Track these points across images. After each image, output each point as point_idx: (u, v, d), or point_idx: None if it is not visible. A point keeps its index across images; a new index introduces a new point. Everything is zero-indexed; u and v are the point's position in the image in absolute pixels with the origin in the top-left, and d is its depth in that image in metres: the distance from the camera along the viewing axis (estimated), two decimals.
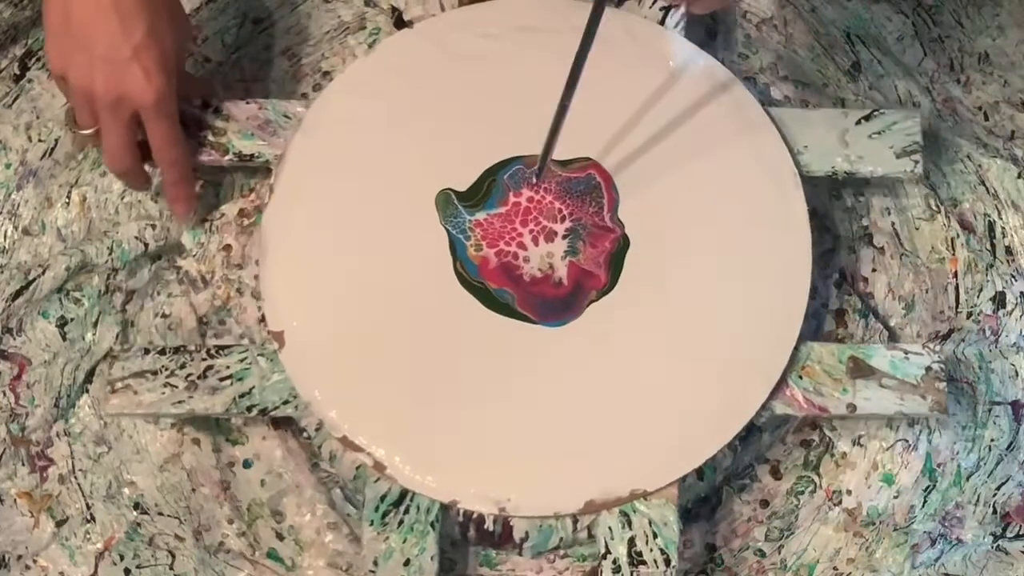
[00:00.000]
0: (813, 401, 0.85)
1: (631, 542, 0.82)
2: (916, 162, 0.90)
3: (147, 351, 0.86)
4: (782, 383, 0.85)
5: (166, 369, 0.86)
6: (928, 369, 0.85)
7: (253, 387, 0.85)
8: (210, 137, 0.92)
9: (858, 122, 0.92)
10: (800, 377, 0.85)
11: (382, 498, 0.83)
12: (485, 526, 0.84)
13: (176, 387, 0.85)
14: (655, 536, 0.82)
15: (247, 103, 0.93)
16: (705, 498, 0.89)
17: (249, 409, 0.85)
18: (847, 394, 0.85)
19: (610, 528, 0.82)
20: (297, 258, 0.88)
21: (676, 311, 0.87)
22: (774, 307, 0.87)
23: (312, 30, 1.01)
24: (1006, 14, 1.05)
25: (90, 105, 0.86)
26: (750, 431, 0.86)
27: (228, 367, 0.86)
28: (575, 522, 0.84)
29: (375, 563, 0.81)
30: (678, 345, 0.86)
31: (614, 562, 0.81)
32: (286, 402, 0.85)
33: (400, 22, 0.96)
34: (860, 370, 0.85)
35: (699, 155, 0.90)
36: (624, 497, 0.82)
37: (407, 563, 0.81)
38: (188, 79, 0.93)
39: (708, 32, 1.00)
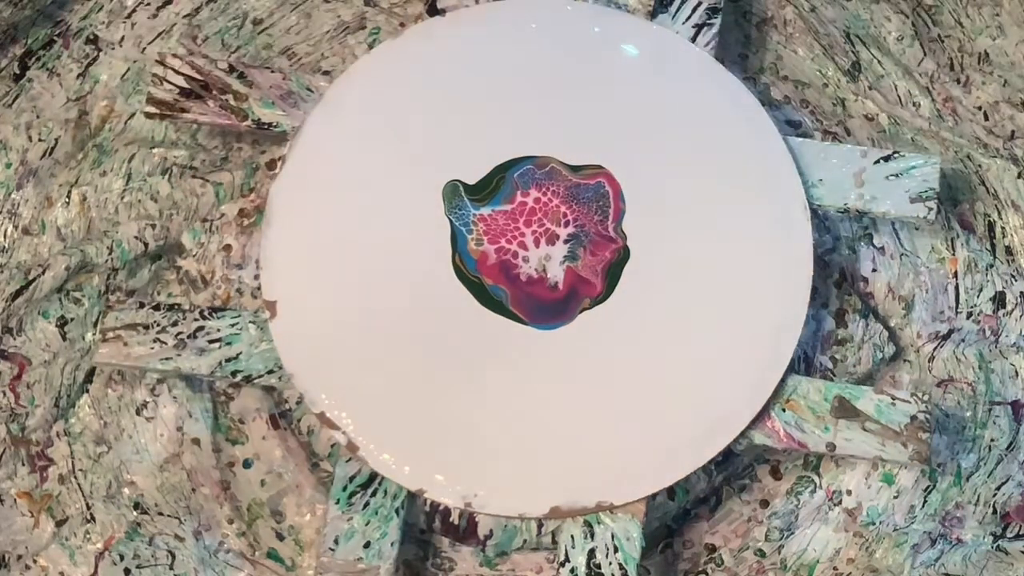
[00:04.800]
0: (793, 436, 0.85)
1: (591, 553, 0.82)
2: (930, 208, 0.90)
3: (142, 304, 0.87)
4: (764, 413, 0.85)
5: (158, 325, 0.86)
6: (913, 418, 0.85)
7: (240, 352, 0.86)
8: (231, 101, 0.92)
9: (876, 162, 0.91)
10: (783, 410, 0.86)
11: (351, 478, 0.83)
12: (451, 519, 0.84)
13: (165, 343, 0.86)
14: (616, 550, 0.82)
15: (272, 71, 0.93)
16: (705, 498, 0.89)
17: (234, 374, 0.85)
18: (828, 432, 0.85)
19: (572, 536, 0.82)
20: (300, 231, 0.89)
21: (666, 329, 0.87)
22: (765, 338, 0.86)
23: (312, 30, 1.01)
24: (1006, 14, 1.05)
25: None
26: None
27: (219, 330, 0.86)
28: (540, 526, 0.85)
29: (335, 541, 0.82)
30: (664, 363, 0.86)
31: (572, 571, 0.81)
32: (270, 371, 0.86)
33: (433, 9, 0.95)
34: (845, 410, 0.85)
35: (711, 177, 0.90)
36: (590, 507, 0.82)
37: (367, 545, 0.82)
38: None
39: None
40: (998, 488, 0.90)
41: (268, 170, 0.95)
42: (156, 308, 0.87)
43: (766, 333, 0.86)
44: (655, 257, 0.88)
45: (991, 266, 0.95)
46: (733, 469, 0.89)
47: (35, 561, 0.87)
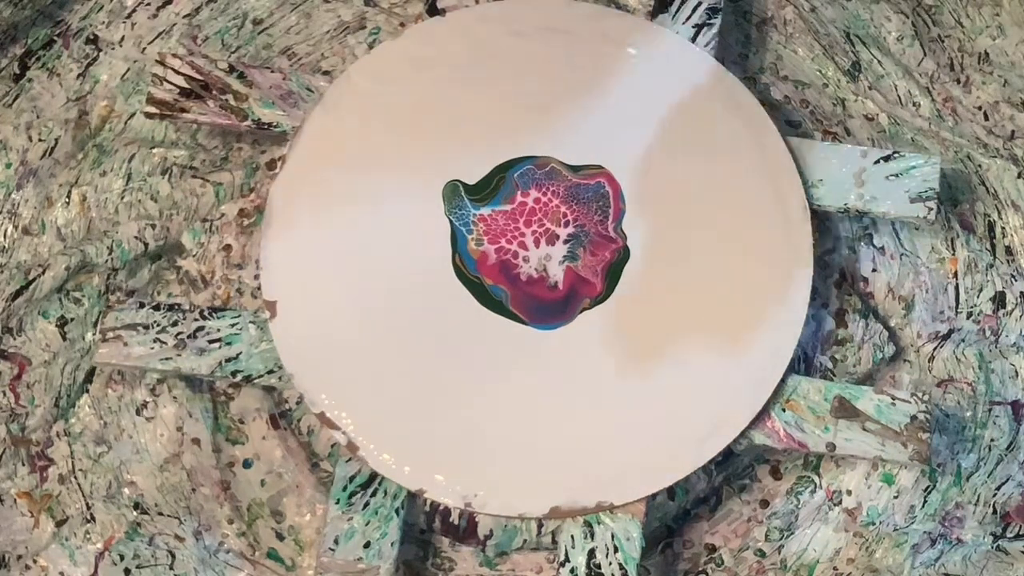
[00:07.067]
0: (793, 435, 0.85)
1: (591, 553, 0.82)
2: (930, 208, 0.90)
3: (142, 304, 0.87)
4: (764, 414, 0.85)
5: (158, 325, 0.87)
6: (913, 418, 0.85)
7: (240, 353, 0.86)
8: (231, 101, 0.92)
9: (876, 162, 0.91)
10: (783, 410, 0.86)
11: (351, 478, 0.84)
12: (451, 519, 0.85)
13: (165, 343, 0.86)
14: (616, 550, 0.82)
15: (272, 71, 0.93)
16: (705, 498, 0.89)
17: (234, 374, 0.86)
18: (828, 432, 0.85)
19: (572, 536, 0.82)
20: (299, 231, 0.89)
21: (666, 329, 0.87)
22: (765, 338, 0.86)
23: (312, 30, 1.01)
24: (1006, 14, 1.05)
25: None
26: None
27: (219, 330, 0.87)
28: (540, 526, 0.85)
29: (335, 541, 0.82)
30: (664, 363, 0.86)
31: (571, 571, 0.82)
32: (270, 371, 0.86)
33: (433, 9, 0.96)
34: (845, 410, 0.85)
35: (710, 177, 0.90)
36: (590, 508, 0.82)
37: (367, 545, 0.82)
38: None
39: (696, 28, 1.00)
40: (998, 488, 0.90)
41: (268, 170, 0.95)
42: (156, 308, 0.87)
43: (766, 332, 0.86)
44: (655, 257, 0.88)
45: (991, 266, 0.95)
46: (733, 469, 0.89)
47: (35, 561, 0.87)
